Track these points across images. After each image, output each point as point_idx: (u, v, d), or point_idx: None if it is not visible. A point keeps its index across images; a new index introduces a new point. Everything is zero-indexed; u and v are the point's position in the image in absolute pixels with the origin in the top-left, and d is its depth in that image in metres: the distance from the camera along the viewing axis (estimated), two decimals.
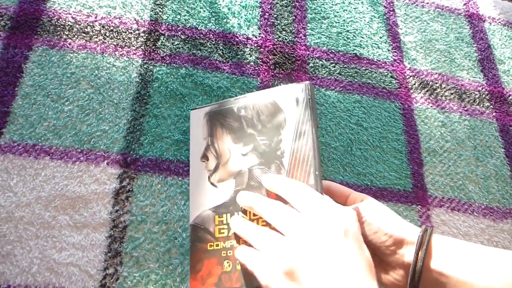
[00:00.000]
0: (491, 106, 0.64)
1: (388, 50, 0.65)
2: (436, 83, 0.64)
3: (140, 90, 0.53)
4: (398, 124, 0.59)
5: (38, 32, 0.54)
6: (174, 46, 0.57)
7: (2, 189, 0.45)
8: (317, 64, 0.60)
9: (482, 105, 0.64)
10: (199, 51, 0.57)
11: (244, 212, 0.36)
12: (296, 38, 0.62)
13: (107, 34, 0.55)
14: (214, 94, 0.54)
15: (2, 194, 0.45)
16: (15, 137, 0.48)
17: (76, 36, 0.54)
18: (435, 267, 0.34)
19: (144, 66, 0.54)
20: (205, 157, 0.39)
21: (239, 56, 0.58)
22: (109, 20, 0.57)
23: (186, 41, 0.57)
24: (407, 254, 0.35)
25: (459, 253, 0.34)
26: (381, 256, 0.37)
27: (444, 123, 0.61)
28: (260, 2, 0.63)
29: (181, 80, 0.54)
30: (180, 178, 0.48)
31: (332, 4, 0.66)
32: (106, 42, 0.55)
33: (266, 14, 0.63)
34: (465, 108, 0.63)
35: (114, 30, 0.56)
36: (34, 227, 0.44)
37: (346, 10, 0.66)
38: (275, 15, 0.63)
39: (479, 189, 0.57)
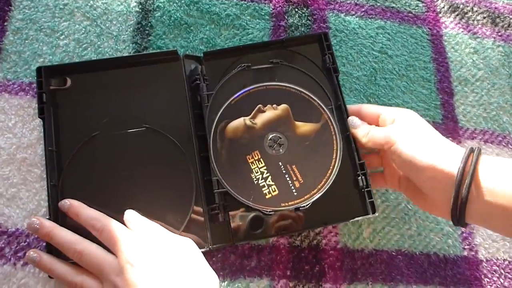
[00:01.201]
0: None
1: None
2: (467, 6, 0.58)
3: (141, 20, 0.48)
4: (426, 51, 0.53)
5: None
6: None
7: (0, 130, 0.42)
8: None
9: None
10: None
11: None
12: None
13: None
14: (222, 22, 0.49)
15: (1, 136, 0.41)
16: (9, 75, 0.44)
17: None
18: (485, 183, 0.30)
19: None
20: None
21: None
22: None
23: None
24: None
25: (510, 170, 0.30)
26: (418, 183, 0.34)
27: (476, 50, 0.55)
28: None
29: (185, 8, 0.49)
30: None
31: None
32: None
33: None
34: (499, 34, 0.57)
35: None
36: (39, 169, 0.41)
37: None
38: None
39: None
